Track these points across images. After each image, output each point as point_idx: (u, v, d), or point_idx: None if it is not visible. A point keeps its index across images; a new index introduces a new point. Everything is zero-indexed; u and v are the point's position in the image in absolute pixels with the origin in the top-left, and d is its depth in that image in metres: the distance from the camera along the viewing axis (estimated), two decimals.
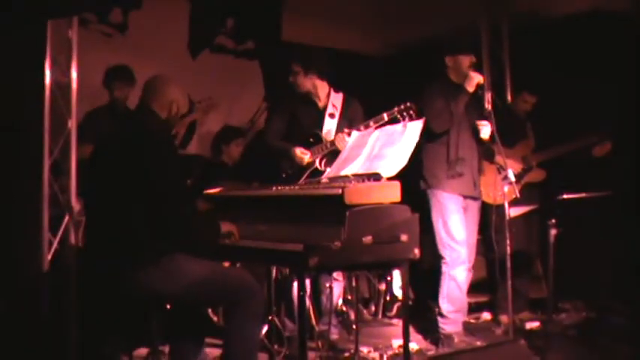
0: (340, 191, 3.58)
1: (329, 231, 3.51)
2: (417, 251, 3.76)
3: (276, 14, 6.86)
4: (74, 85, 4.75)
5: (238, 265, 4.68)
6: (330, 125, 5.10)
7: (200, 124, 6.33)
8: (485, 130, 5.05)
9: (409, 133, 3.99)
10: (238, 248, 3.84)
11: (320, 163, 4.93)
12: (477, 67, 5.11)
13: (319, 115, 5.14)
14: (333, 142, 4.91)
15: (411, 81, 5.19)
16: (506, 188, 4.96)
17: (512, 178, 4.85)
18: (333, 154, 4.82)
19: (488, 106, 5.18)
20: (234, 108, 6.70)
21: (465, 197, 5.12)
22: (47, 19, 4.60)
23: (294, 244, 3.47)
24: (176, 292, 3.54)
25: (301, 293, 3.55)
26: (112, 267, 3.57)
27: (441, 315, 5.11)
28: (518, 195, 5.01)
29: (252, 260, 4.24)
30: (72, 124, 4.75)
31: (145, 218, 3.49)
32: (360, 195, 3.63)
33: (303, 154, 4.97)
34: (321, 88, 5.15)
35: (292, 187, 4.24)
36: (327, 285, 4.98)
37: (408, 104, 4.70)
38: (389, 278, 6.21)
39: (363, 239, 3.53)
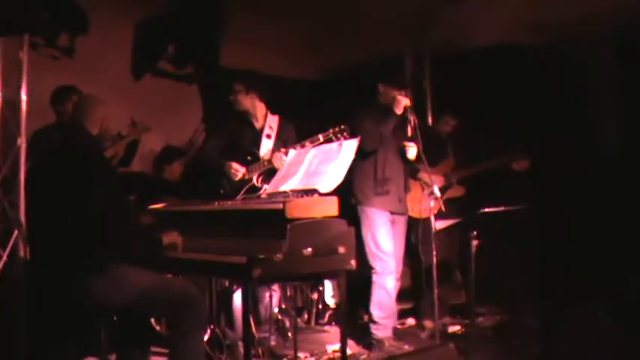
0: (282, 206, 3.50)
1: (271, 244, 3.42)
2: (353, 262, 3.70)
3: (214, 41, 6.74)
4: (24, 104, 4.59)
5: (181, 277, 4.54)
6: (267, 145, 5.03)
7: (142, 144, 6.16)
8: (412, 150, 5.04)
9: (345, 150, 3.93)
10: (183, 261, 3.72)
11: (257, 180, 4.83)
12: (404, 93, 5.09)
13: (256, 136, 5.06)
14: (270, 161, 4.83)
15: (340, 104, 5.17)
16: (432, 203, 4.95)
17: (438, 194, 4.84)
18: (269, 173, 4.74)
19: (412, 128, 5.14)
20: (175, 129, 6.55)
21: (392, 213, 5.08)
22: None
23: (238, 257, 3.36)
24: (120, 302, 3.42)
25: (245, 303, 3.44)
26: (57, 277, 3.42)
27: (372, 321, 5.07)
28: (444, 209, 5.00)
29: (196, 273, 4.10)
30: (21, 141, 4.59)
31: (84, 230, 3.34)
32: (300, 209, 3.55)
33: (237, 170, 4.89)
34: (260, 109, 5.10)
35: (234, 202, 4.13)
36: (267, 295, 4.89)
37: (342, 127, 4.65)
38: (321, 288, 6.13)
39: (304, 251, 3.46)
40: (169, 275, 4.06)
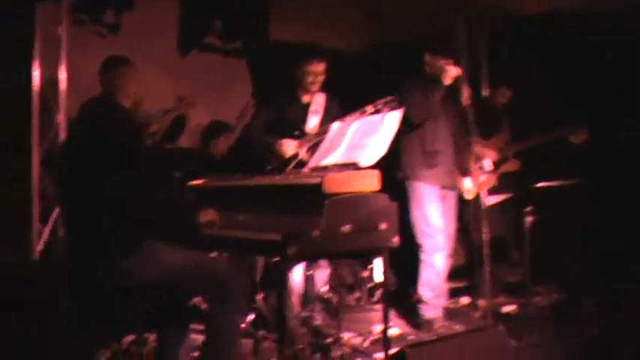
0: (319, 180, 3.32)
1: (308, 220, 3.25)
2: (396, 239, 3.49)
3: (263, 15, 6.59)
4: (63, 81, 4.51)
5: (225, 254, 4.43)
6: (313, 121, 4.85)
7: (189, 120, 6.07)
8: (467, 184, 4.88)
9: (388, 122, 3.74)
10: (219, 238, 3.58)
11: (306, 155, 4.65)
12: (455, 63, 4.84)
13: (304, 111, 4.88)
14: (319, 134, 4.62)
15: (392, 78, 4.93)
16: (482, 177, 4.71)
17: (488, 167, 4.60)
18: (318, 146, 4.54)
19: (466, 100, 4.88)
20: (223, 105, 6.43)
21: (442, 187, 4.86)
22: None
23: (273, 234, 3.20)
24: (155, 279, 3.31)
25: (280, 280, 3.30)
26: (92, 255, 3.34)
27: (422, 301, 4.88)
28: (495, 183, 4.77)
29: (232, 250, 3.97)
30: (60, 118, 4.52)
31: (113, 207, 3.24)
32: (338, 184, 3.36)
33: (288, 145, 4.70)
34: None
35: (272, 177, 3.98)
36: (313, 272, 4.74)
37: (390, 98, 4.42)
38: (371, 266, 5.95)
39: (342, 228, 3.28)
40: (209, 253, 3.96)
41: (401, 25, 6.64)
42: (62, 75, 4.52)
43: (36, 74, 4.42)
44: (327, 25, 6.61)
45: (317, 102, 4.88)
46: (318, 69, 4.76)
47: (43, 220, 4.43)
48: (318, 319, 4.88)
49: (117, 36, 5.98)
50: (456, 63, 4.79)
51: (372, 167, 3.62)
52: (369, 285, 5.95)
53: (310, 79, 4.76)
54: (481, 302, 5.47)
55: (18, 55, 4.46)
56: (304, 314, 4.76)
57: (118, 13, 5.99)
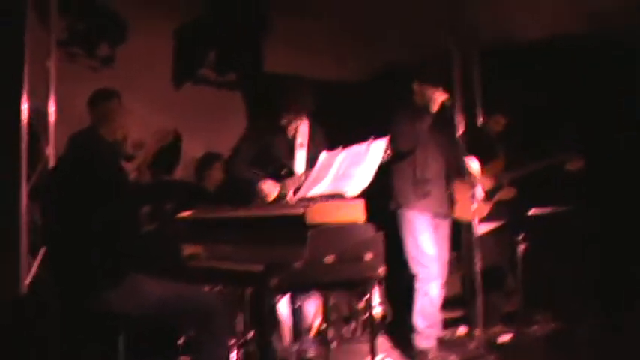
0: (302, 211, 3.30)
1: (291, 251, 3.23)
2: (382, 270, 3.46)
3: (256, 46, 6.61)
4: (52, 114, 4.52)
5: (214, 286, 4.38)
6: (301, 156, 4.72)
7: (184, 153, 6.06)
8: (474, 165, 4.81)
9: (373, 151, 3.72)
10: (203, 270, 3.55)
11: (293, 196, 4.51)
12: (449, 91, 4.82)
13: (290, 145, 4.76)
14: (303, 176, 4.47)
15: (384, 107, 4.93)
16: (475, 205, 4.67)
17: (480, 195, 4.56)
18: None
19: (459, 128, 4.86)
20: (218, 136, 6.41)
21: (434, 215, 4.82)
22: None
23: (256, 265, 3.18)
24: (137, 313, 3.30)
25: (262, 312, 3.26)
26: (78, 288, 3.32)
27: (416, 331, 4.81)
28: (488, 212, 4.74)
29: (217, 282, 3.92)
30: (49, 151, 4.52)
31: (96, 240, 3.22)
32: (322, 214, 3.35)
33: (269, 188, 4.53)
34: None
35: (257, 209, 3.95)
36: (304, 304, 4.68)
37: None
38: (367, 296, 5.87)
39: (326, 258, 3.25)
40: (195, 286, 3.92)
41: (394, 54, 6.67)
42: (51, 108, 4.52)
43: (24, 107, 4.42)
44: (319, 54, 6.62)
45: (302, 133, 4.75)
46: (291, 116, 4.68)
47: (32, 253, 4.40)
48: (311, 352, 4.80)
49: (110, 69, 6.02)
50: (448, 91, 4.77)
51: (361, 197, 3.59)
52: (364, 316, 5.88)
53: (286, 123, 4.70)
54: (477, 332, 5.39)
55: (7, 86, 4.47)
56: (295, 347, 4.69)
57: (112, 46, 6.03)
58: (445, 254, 4.95)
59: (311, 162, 4.51)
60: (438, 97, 4.62)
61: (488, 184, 5.54)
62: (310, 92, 4.71)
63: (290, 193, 4.52)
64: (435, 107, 4.63)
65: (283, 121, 4.69)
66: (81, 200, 3.27)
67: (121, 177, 3.52)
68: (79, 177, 3.33)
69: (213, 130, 6.38)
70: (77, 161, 3.43)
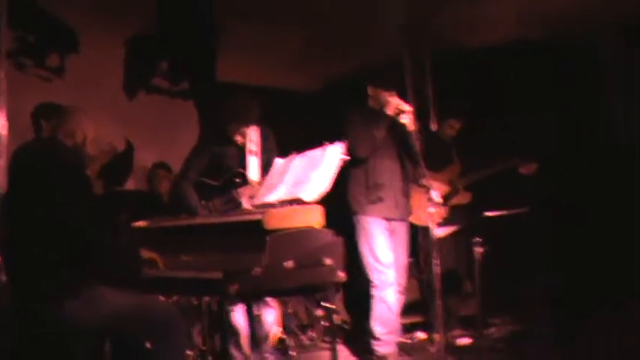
0: (260, 217, 3.25)
1: (250, 257, 3.16)
2: (341, 274, 3.43)
3: (209, 55, 6.55)
4: (3, 126, 4.40)
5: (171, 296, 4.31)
6: (253, 163, 4.64)
7: (137, 162, 5.98)
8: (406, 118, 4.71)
9: (329, 156, 3.68)
10: (162, 279, 3.48)
11: (248, 203, 4.46)
12: (401, 96, 4.83)
13: (242, 153, 4.68)
14: (260, 183, 4.39)
15: (338, 114, 4.92)
16: (431, 209, 4.67)
17: (437, 199, 4.56)
18: None
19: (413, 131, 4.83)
20: (171, 146, 6.34)
21: (389, 220, 4.81)
22: None
23: (214, 272, 3.11)
24: (97, 324, 3.20)
25: (221, 320, 3.20)
26: (33, 301, 3.21)
27: (374, 337, 4.79)
28: (445, 216, 4.75)
29: (175, 291, 3.86)
30: (1, 164, 4.38)
31: (54, 250, 3.13)
32: (280, 220, 3.29)
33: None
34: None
35: (214, 216, 3.90)
36: (262, 312, 4.63)
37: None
38: (327, 303, 5.84)
39: (285, 264, 3.20)
40: (153, 295, 3.85)
41: (347, 61, 6.67)
42: (1, 121, 4.40)
43: None
44: (274, 63, 6.61)
45: (253, 140, 4.68)
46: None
47: None
48: None
49: (62, 79, 5.92)
50: (402, 96, 4.78)
51: (320, 202, 3.56)
52: (324, 323, 5.84)
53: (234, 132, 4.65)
54: (437, 336, 5.39)
55: None
56: (254, 357, 4.64)
57: (63, 56, 5.92)
58: (402, 259, 4.94)
59: (265, 168, 4.46)
60: (394, 101, 4.62)
61: (445, 188, 5.57)
62: (257, 101, 4.66)
63: (244, 202, 4.48)
64: (390, 110, 4.63)
65: (231, 130, 4.64)
66: (41, 208, 3.17)
67: (85, 182, 3.44)
68: (41, 183, 3.23)
69: (166, 139, 6.33)
70: (35, 168, 3.32)
